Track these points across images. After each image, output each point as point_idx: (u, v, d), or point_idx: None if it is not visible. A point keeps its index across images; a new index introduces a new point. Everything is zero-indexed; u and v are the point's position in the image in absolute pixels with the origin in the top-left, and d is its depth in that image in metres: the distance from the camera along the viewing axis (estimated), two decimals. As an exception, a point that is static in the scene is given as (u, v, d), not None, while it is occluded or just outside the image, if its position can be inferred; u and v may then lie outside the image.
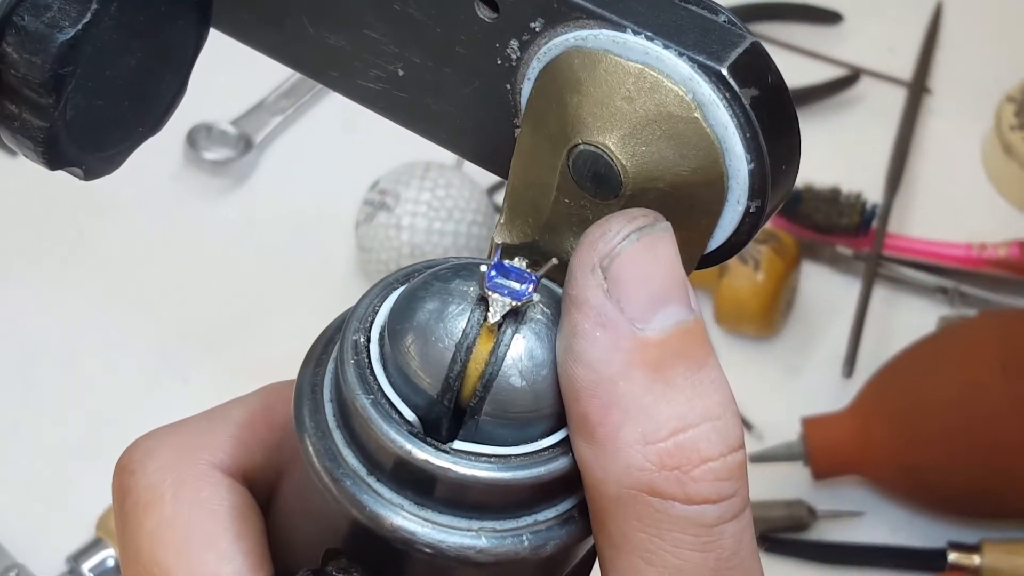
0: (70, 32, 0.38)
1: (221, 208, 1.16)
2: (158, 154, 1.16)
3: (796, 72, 1.20)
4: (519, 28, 0.39)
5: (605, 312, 0.36)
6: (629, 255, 0.36)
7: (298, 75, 1.19)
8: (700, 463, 0.35)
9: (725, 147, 0.37)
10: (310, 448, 0.38)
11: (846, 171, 1.13)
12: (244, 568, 0.40)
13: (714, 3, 0.39)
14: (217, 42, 0.45)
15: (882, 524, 0.98)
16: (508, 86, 0.40)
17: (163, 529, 0.40)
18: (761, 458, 0.98)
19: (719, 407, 0.36)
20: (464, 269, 0.38)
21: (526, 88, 0.40)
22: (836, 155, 1.14)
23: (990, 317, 1.05)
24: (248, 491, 0.42)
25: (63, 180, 0.43)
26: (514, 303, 0.37)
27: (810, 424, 0.97)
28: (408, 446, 0.36)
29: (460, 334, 0.37)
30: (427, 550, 0.37)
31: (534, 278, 0.37)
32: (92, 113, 0.39)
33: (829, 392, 1.03)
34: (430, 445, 0.37)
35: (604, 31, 0.37)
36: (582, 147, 0.38)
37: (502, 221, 0.41)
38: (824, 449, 0.97)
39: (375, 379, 0.38)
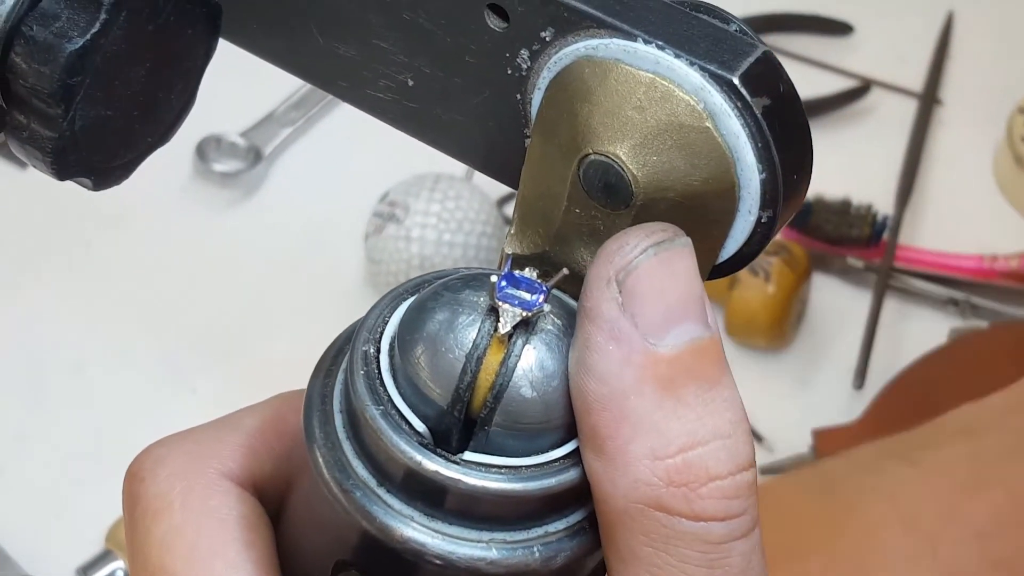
0: (79, 42, 0.37)
1: (230, 219, 1.16)
2: (167, 166, 1.16)
3: (807, 83, 1.19)
4: (529, 38, 0.39)
5: (619, 326, 0.35)
6: (645, 269, 0.36)
7: (308, 87, 1.20)
8: (708, 480, 0.35)
9: (737, 157, 0.37)
10: (320, 459, 0.38)
11: (857, 182, 1.12)
12: None
13: (725, 12, 0.38)
14: (227, 54, 0.45)
15: (893, 536, 0.98)
16: (518, 96, 0.40)
17: (171, 536, 0.40)
18: (771, 470, 0.98)
19: (730, 425, 0.36)
20: (474, 280, 0.38)
21: (536, 98, 0.39)
22: (847, 166, 1.14)
23: (1002, 329, 1.04)
24: (258, 501, 0.42)
25: (72, 191, 0.43)
26: (524, 313, 0.37)
27: (821, 436, 0.97)
28: (418, 457, 0.36)
29: (470, 345, 0.37)
30: (437, 562, 0.37)
31: (545, 289, 0.37)
32: (101, 123, 0.39)
33: (840, 404, 1.03)
34: (440, 456, 0.36)
35: (615, 40, 0.37)
36: (593, 157, 0.38)
37: (512, 232, 0.41)
38: (835, 461, 0.96)
39: (385, 390, 0.37)
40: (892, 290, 1.10)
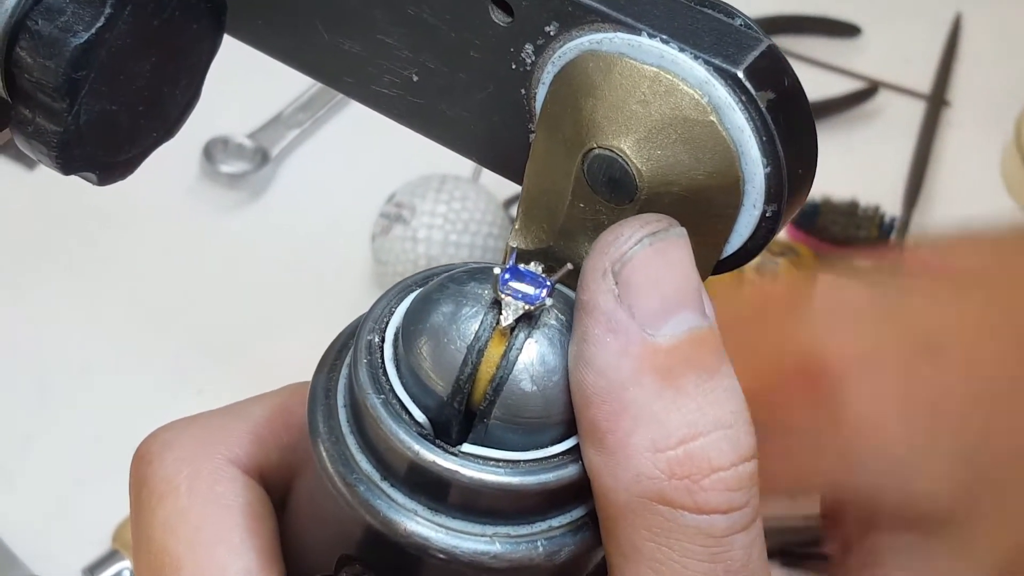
0: (84, 36, 0.37)
1: (237, 221, 1.16)
2: (174, 167, 1.16)
3: (814, 85, 1.19)
4: (534, 32, 0.39)
5: (615, 317, 0.35)
6: (641, 260, 0.36)
7: (315, 88, 1.20)
8: (710, 472, 0.35)
9: (741, 151, 0.37)
10: (323, 453, 0.38)
11: (864, 184, 1.12)
12: (254, 566, 0.40)
13: (730, 6, 0.38)
14: (234, 55, 0.45)
15: (900, 538, 0.98)
16: (523, 91, 0.40)
17: (176, 520, 0.41)
18: (778, 472, 0.98)
19: (731, 416, 0.36)
20: (480, 272, 0.38)
21: (541, 93, 0.39)
22: (854, 168, 1.13)
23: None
24: (263, 489, 0.42)
25: (78, 192, 0.43)
26: (527, 307, 0.37)
27: (828, 437, 0.97)
28: (416, 447, 0.36)
29: (472, 336, 0.37)
30: (441, 556, 0.37)
31: (548, 283, 0.37)
32: (106, 118, 0.39)
33: (847, 405, 1.02)
34: (438, 447, 0.37)
35: (619, 34, 0.37)
36: (597, 151, 0.38)
37: (517, 227, 0.41)
38: (842, 462, 0.96)
39: (387, 379, 0.37)
40: (899, 291, 1.09)
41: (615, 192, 0.38)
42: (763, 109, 0.36)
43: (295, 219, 1.16)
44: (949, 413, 0.53)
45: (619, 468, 0.35)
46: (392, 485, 0.37)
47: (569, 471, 0.37)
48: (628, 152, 0.37)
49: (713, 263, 0.39)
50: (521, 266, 0.37)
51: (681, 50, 0.37)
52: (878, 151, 1.20)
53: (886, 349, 0.54)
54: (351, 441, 0.38)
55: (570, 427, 0.37)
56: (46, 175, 0.40)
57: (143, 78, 0.40)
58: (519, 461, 0.37)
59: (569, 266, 0.38)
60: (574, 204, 0.39)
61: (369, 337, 0.38)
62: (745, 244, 0.38)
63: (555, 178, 0.39)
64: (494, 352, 0.37)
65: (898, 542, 0.54)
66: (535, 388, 0.37)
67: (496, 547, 0.37)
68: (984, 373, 0.54)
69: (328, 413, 0.38)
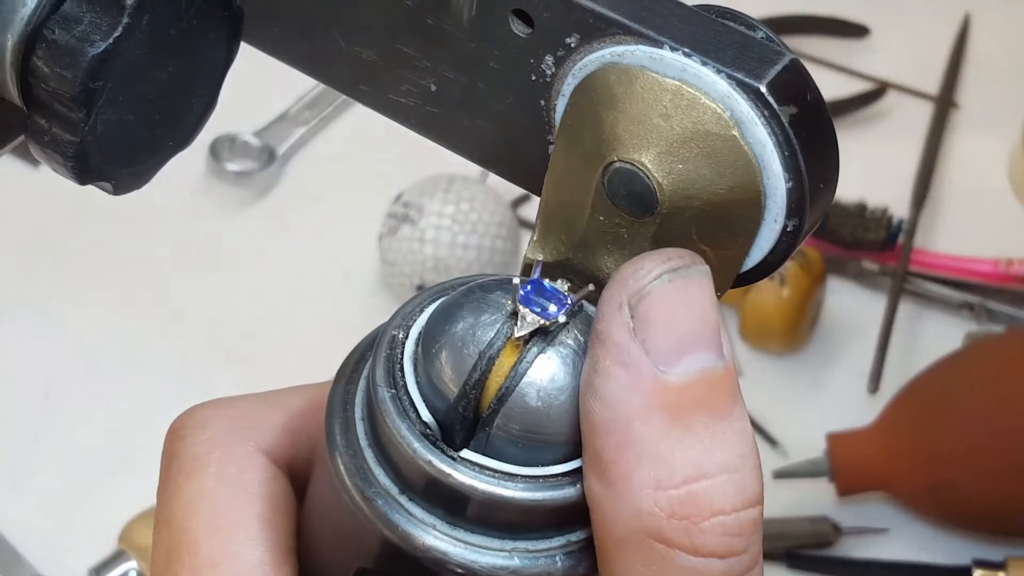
0: (101, 46, 0.37)
1: (243, 220, 1.16)
2: (181, 165, 1.14)
3: (822, 86, 1.18)
4: (554, 44, 0.38)
5: (628, 351, 0.35)
6: (659, 295, 0.35)
7: (322, 86, 1.20)
8: (711, 515, 0.35)
9: (763, 165, 0.36)
10: (341, 467, 0.38)
11: (872, 186, 1.12)
12: (268, 557, 0.40)
13: (751, 19, 0.38)
14: (241, 53, 0.44)
15: (907, 541, 0.98)
16: (542, 102, 0.40)
17: (200, 500, 0.41)
18: (785, 474, 0.98)
19: (738, 459, 0.35)
20: (508, 283, 0.38)
21: (560, 104, 0.39)
22: (862, 169, 1.13)
23: (1019, 335, 1.04)
24: (288, 481, 0.42)
25: (84, 192, 0.43)
26: (542, 322, 0.37)
27: (835, 440, 0.97)
28: (415, 444, 0.36)
29: (486, 344, 0.37)
30: (459, 571, 0.37)
31: (568, 302, 0.37)
32: (122, 128, 0.39)
33: (854, 408, 1.02)
34: (437, 449, 0.36)
35: (641, 47, 0.37)
36: (617, 165, 0.38)
37: (535, 238, 0.41)
38: (849, 465, 0.96)
39: (402, 376, 0.37)
40: (907, 294, 1.09)
41: (636, 206, 0.38)
42: (786, 124, 0.36)
43: (301, 218, 1.16)
44: None
45: (620, 501, 0.35)
46: (410, 499, 0.37)
47: (565, 493, 0.37)
48: (649, 166, 0.37)
49: (733, 277, 0.39)
50: (546, 281, 0.37)
51: (703, 63, 0.36)
52: (886, 152, 1.20)
53: None
54: (369, 455, 0.37)
55: (574, 449, 0.37)
56: (52, 173, 0.40)
57: (160, 87, 0.40)
58: (516, 475, 0.36)
59: (591, 287, 0.38)
60: (594, 217, 0.39)
61: (394, 332, 0.38)
62: (765, 258, 0.38)
63: (574, 190, 0.39)
64: (505, 362, 0.37)
65: None
66: (540, 404, 0.36)
67: (515, 562, 0.37)
68: None
69: (346, 426, 0.38)
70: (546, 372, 0.37)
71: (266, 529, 0.41)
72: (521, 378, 0.36)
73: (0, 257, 1.13)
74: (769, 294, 1.03)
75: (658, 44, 0.37)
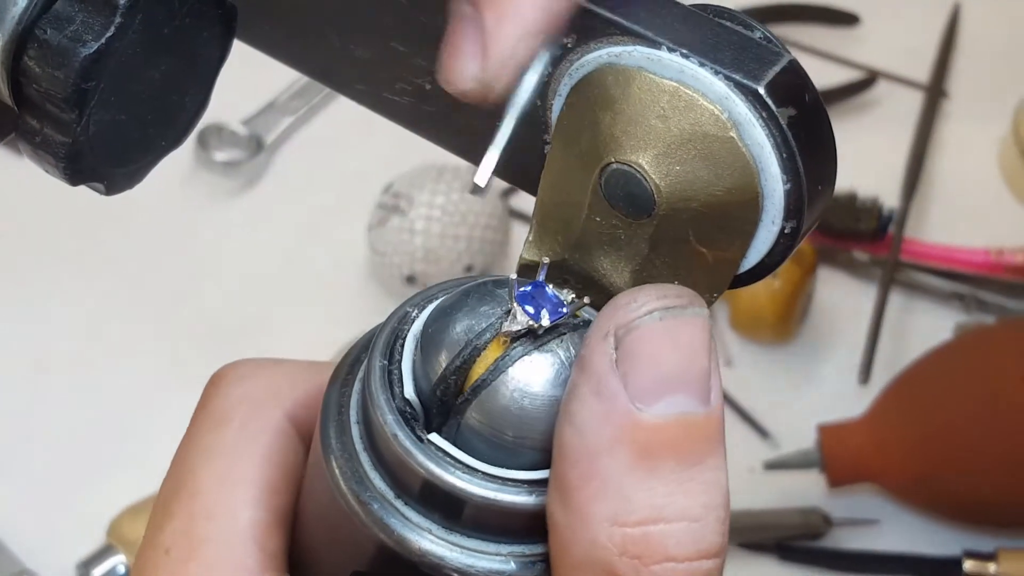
0: (93, 46, 0.37)
1: (232, 210, 1.16)
2: (169, 155, 1.15)
3: (812, 74, 1.18)
4: (551, 44, 0.38)
5: (606, 381, 0.34)
6: (646, 332, 0.35)
7: (311, 76, 1.19)
8: (663, 559, 0.34)
9: (761, 167, 0.36)
10: (336, 471, 0.37)
11: (863, 175, 1.12)
12: (262, 521, 0.41)
13: (750, 20, 0.38)
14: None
15: (897, 532, 0.98)
16: (539, 102, 0.39)
17: (215, 450, 0.42)
18: (776, 465, 0.98)
19: (702, 509, 0.34)
20: (519, 284, 0.38)
21: (557, 104, 0.39)
22: (853, 159, 1.12)
23: (1009, 326, 1.04)
24: (306, 455, 0.43)
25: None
26: (530, 323, 0.36)
27: (826, 432, 0.97)
28: (388, 417, 0.36)
29: (476, 333, 0.37)
30: (455, 575, 0.36)
31: (563, 311, 0.37)
32: (115, 128, 0.39)
33: (845, 399, 1.02)
34: (408, 427, 0.36)
35: (638, 48, 0.37)
36: (615, 166, 0.37)
37: (531, 239, 0.40)
38: (840, 457, 0.96)
39: (400, 350, 0.38)
40: (898, 284, 1.09)
41: (633, 207, 0.38)
42: (784, 126, 0.36)
43: (290, 208, 1.16)
44: None
45: (578, 528, 0.34)
46: (406, 503, 0.37)
47: (522, 499, 0.36)
48: (647, 167, 0.37)
49: (730, 278, 0.38)
50: (549, 287, 0.37)
51: (701, 64, 0.36)
52: (876, 141, 1.20)
53: None
54: (364, 458, 0.37)
55: (545, 460, 0.36)
56: (34, 164, 0.40)
57: (153, 87, 0.39)
58: (477, 470, 0.36)
59: (586, 300, 0.38)
60: (590, 218, 0.39)
61: (409, 308, 0.39)
62: (763, 260, 0.38)
63: (571, 191, 0.39)
64: (490, 355, 0.37)
65: None
66: (511, 405, 0.36)
67: (511, 566, 0.37)
68: None
69: (341, 429, 0.38)
70: (526, 375, 0.36)
71: (269, 494, 0.41)
72: (500, 374, 0.36)
73: (-12, 248, 1.12)
74: (760, 285, 1.01)
75: (656, 45, 0.36)
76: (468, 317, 0.37)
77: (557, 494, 0.35)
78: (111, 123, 0.38)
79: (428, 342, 0.37)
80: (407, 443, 0.36)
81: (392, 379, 0.37)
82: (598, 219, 0.39)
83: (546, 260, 0.39)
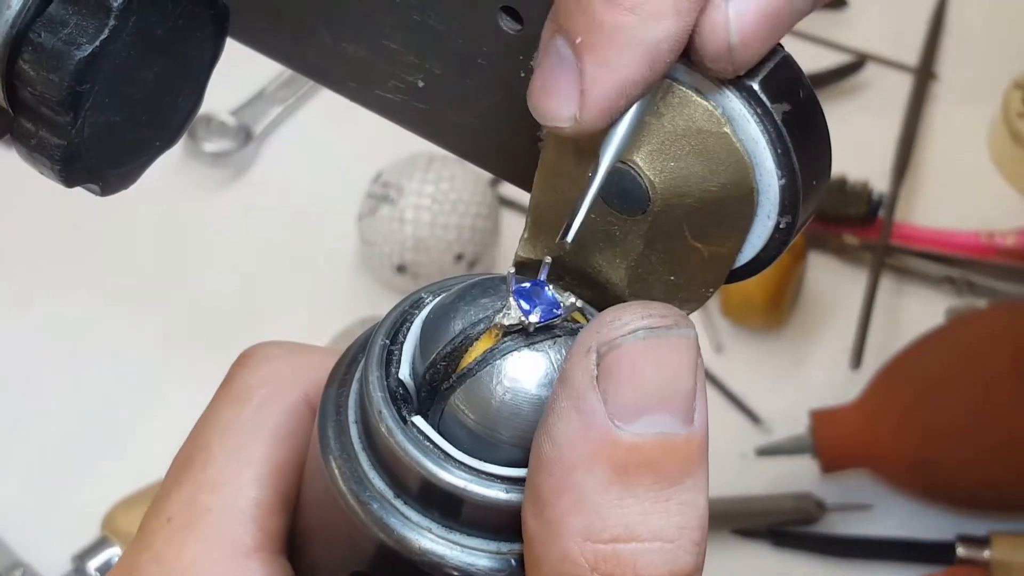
0: (87, 49, 0.37)
1: (221, 200, 1.16)
2: (159, 146, 1.15)
3: (800, 58, 1.18)
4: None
5: (585, 397, 0.34)
6: (628, 350, 0.34)
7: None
8: None
9: (755, 162, 0.36)
10: (336, 471, 0.37)
11: (852, 159, 1.11)
12: (266, 501, 0.41)
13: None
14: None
15: (890, 517, 0.98)
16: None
17: (231, 426, 0.42)
18: (769, 451, 0.98)
19: (675, 531, 0.34)
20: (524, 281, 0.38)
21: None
22: (842, 143, 1.11)
23: (1001, 309, 1.04)
24: None
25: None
26: (521, 319, 0.36)
27: (818, 417, 0.97)
28: (377, 394, 0.37)
29: (471, 322, 0.37)
30: (456, 574, 0.37)
31: (556, 312, 0.37)
32: (109, 129, 0.39)
33: (837, 384, 1.02)
34: (394, 407, 0.37)
35: None
36: None
37: (526, 236, 0.40)
38: (832, 442, 0.96)
39: (405, 333, 0.38)
40: (888, 268, 1.09)
41: (627, 204, 0.38)
42: (778, 121, 0.36)
43: (280, 198, 1.15)
44: None
45: (550, 540, 0.34)
46: (406, 503, 0.37)
47: (493, 493, 0.36)
48: (641, 164, 0.37)
49: (725, 274, 0.39)
50: (550, 287, 0.37)
51: (695, 60, 0.36)
52: (865, 125, 1.19)
53: None
54: (363, 458, 0.37)
55: (520, 456, 0.36)
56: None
57: (146, 88, 0.39)
58: (452, 457, 0.36)
59: (578, 303, 0.38)
60: (585, 215, 0.39)
61: (423, 294, 0.39)
62: (758, 255, 0.38)
63: (565, 188, 0.39)
64: (481, 346, 0.37)
65: None
66: (493, 398, 0.36)
67: (512, 565, 0.37)
68: None
69: (339, 429, 0.38)
70: (511, 370, 0.36)
71: (277, 475, 0.42)
72: (486, 365, 0.36)
73: (-23, 241, 1.12)
74: (750, 271, 1.03)
75: (650, 42, 0.36)
76: (470, 307, 0.37)
77: (532, 503, 0.35)
78: (106, 125, 0.38)
79: (428, 327, 0.38)
80: (390, 421, 0.36)
81: (391, 359, 0.37)
82: (593, 216, 0.39)
83: (548, 259, 0.39)
